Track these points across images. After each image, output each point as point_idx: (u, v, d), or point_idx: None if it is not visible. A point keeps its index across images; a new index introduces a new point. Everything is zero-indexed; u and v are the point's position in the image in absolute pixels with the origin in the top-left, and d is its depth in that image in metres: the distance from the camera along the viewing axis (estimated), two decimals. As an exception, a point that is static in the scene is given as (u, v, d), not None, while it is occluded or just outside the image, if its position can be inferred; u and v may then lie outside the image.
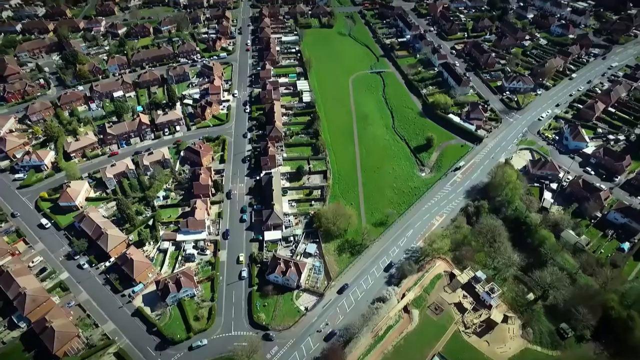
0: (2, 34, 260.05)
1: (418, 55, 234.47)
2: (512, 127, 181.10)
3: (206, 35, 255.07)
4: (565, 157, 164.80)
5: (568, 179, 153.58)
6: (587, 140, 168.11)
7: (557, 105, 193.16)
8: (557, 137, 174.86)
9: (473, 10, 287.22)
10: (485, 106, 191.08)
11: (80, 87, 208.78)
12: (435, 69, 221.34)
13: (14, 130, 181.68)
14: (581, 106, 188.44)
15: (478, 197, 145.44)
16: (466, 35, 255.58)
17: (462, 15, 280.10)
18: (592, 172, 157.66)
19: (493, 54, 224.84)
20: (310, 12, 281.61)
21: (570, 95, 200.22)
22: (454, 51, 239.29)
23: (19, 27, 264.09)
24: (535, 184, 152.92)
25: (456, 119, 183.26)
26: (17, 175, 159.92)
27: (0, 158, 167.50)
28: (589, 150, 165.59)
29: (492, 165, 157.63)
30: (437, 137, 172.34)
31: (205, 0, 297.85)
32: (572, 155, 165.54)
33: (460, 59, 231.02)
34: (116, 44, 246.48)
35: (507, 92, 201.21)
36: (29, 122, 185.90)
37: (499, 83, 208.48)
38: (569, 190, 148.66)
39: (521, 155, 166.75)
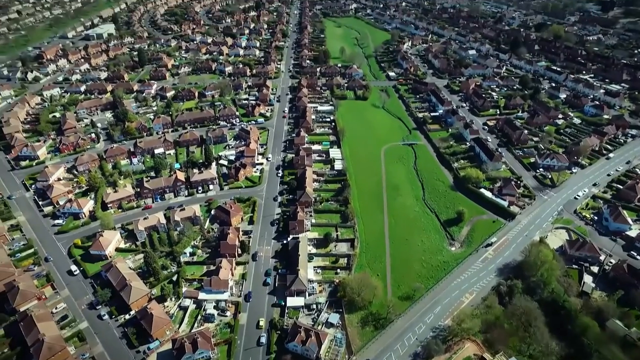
0: (69, 93, 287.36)
1: (450, 130, 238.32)
2: (547, 205, 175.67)
3: (246, 102, 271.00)
4: (605, 239, 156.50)
5: (610, 262, 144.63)
6: (630, 222, 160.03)
7: (595, 185, 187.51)
8: (595, 218, 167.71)
9: (505, 89, 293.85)
10: (518, 182, 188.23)
11: (126, 143, 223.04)
12: (467, 143, 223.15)
13: (61, 178, 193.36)
14: (621, 187, 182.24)
15: (511, 276, 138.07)
16: (498, 112, 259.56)
17: (494, 93, 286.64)
18: (639, 257, 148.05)
19: (525, 131, 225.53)
20: (346, 84, 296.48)
21: (609, 175, 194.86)
22: (485, 127, 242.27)
23: (83, 87, 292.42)
24: (574, 266, 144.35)
25: (488, 194, 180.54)
26: (56, 221, 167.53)
27: (45, 204, 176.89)
28: (633, 233, 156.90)
29: (526, 243, 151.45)
30: (468, 212, 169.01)
31: (249, 69, 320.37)
32: (613, 237, 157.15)
33: (492, 135, 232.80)
34: (163, 105, 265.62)
35: (541, 169, 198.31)
36: (75, 172, 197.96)
37: (532, 160, 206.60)
38: (612, 275, 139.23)
39: (557, 235, 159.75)
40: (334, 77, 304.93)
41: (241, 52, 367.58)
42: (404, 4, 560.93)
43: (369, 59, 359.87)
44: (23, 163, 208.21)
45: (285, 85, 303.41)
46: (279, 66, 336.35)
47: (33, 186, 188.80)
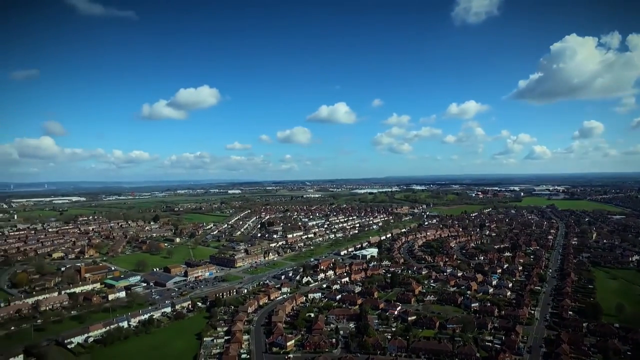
0: (326, 299, 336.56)
1: None
2: None
3: (490, 344, 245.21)
4: None
5: None
6: None
7: None
8: None
9: None
10: None
11: (359, 356, 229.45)
12: None
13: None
14: None
15: None
16: None
17: None
18: None
19: None
20: (629, 353, 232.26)
21: None
22: None
23: (338, 296, 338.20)
24: None
25: None
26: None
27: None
28: None
29: None
30: None
31: (497, 309, 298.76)
32: None
33: None
34: (402, 327, 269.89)
35: None
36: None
37: None
38: None
39: None
40: (608, 338, 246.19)
41: (490, 290, 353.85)
42: None
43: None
44: (274, 349, 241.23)
45: (539, 335, 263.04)
46: (532, 312, 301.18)
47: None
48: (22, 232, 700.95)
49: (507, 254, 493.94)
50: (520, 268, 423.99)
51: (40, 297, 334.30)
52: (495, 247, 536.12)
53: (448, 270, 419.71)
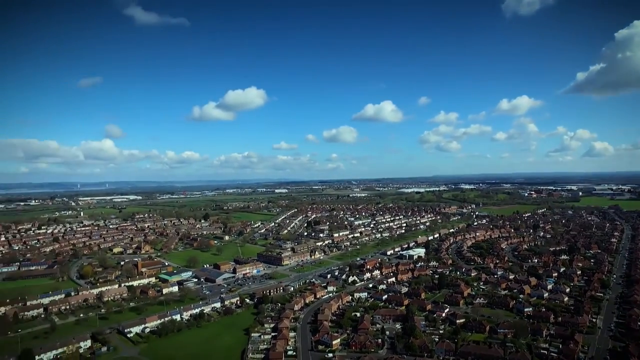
0: (373, 299, 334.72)
1: None
2: None
3: (546, 352, 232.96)
4: None
5: None
6: None
7: None
8: None
9: None
10: None
11: (405, 357, 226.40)
12: None
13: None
14: None
15: None
16: None
17: None
18: None
19: None
20: None
21: None
22: None
23: (385, 296, 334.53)
24: None
25: None
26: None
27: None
28: None
29: None
30: None
31: (553, 315, 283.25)
32: None
33: None
34: (450, 330, 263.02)
35: None
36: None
37: None
38: None
39: None
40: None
41: (545, 294, 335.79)
42: None
43: None
44: (320, 347, 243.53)
45: (602, 345, 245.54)
46: (594, 320, 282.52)
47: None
48: (87, 228, 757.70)
49: (564, 257, 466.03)
50: (579, 272, 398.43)
51: (103, 289, 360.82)
52: (551, 249, 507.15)
53: (499, 273, 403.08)
